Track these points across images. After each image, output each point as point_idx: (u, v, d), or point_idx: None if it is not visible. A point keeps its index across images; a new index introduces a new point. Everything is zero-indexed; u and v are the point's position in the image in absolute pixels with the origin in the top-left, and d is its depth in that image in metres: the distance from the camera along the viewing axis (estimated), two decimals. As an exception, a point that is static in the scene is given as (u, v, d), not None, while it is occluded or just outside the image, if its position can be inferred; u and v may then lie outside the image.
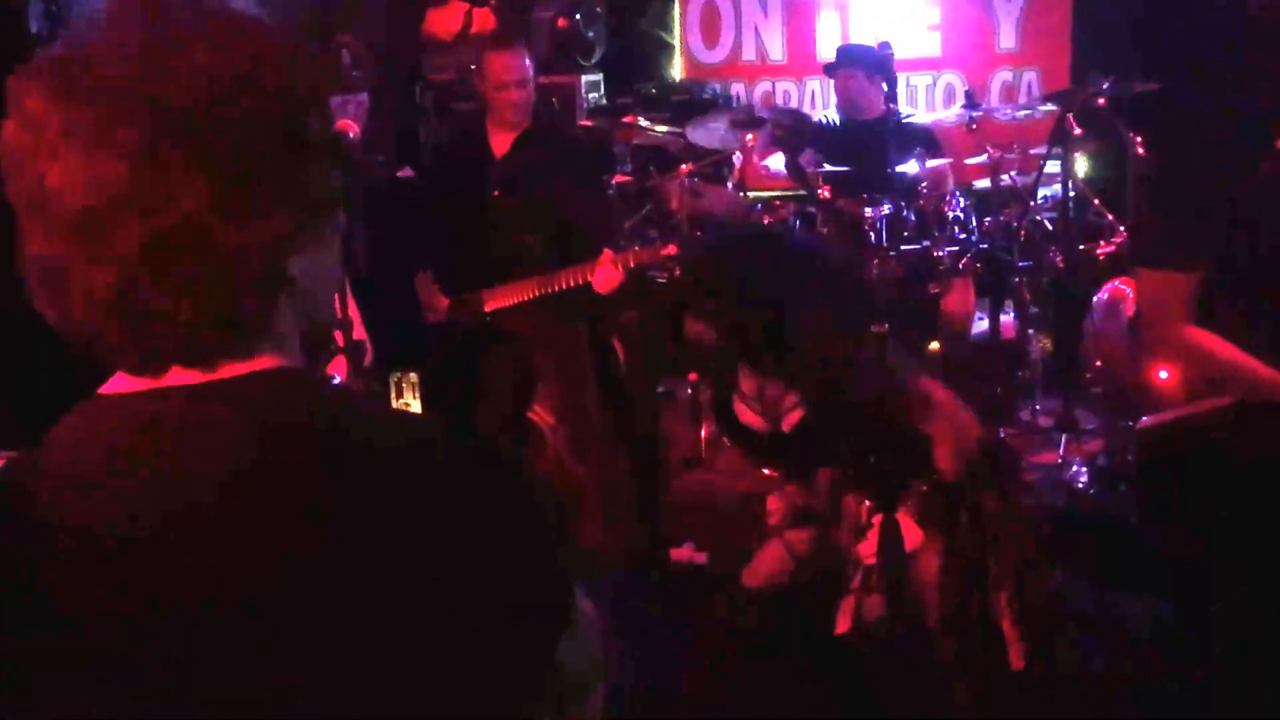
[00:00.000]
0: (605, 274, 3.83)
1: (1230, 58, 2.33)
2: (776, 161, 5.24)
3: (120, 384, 0.90)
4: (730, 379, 2.84)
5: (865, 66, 5.24)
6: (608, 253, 3.85)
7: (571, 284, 3.89)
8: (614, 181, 5.25)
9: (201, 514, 0.84)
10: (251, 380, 0.89)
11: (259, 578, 0.84)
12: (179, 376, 0.89)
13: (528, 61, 4.10)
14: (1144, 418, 2.69)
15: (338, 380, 3.44)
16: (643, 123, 5.24)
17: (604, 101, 6.13)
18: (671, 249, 3.86)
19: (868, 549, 2.55)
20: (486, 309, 4.08)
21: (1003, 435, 4.40)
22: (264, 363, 0.90)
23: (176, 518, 0.84)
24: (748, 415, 2.79)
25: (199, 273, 0.84)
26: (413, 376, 4.82)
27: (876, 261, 4.70)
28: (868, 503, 2.61)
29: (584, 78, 6.08)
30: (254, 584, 0.83)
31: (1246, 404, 2.35)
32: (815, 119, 5.55)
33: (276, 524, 0.84)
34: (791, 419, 2.69)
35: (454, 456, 0.92)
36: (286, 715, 0.83)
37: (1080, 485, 4.43)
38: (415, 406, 4.79)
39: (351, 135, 3.72)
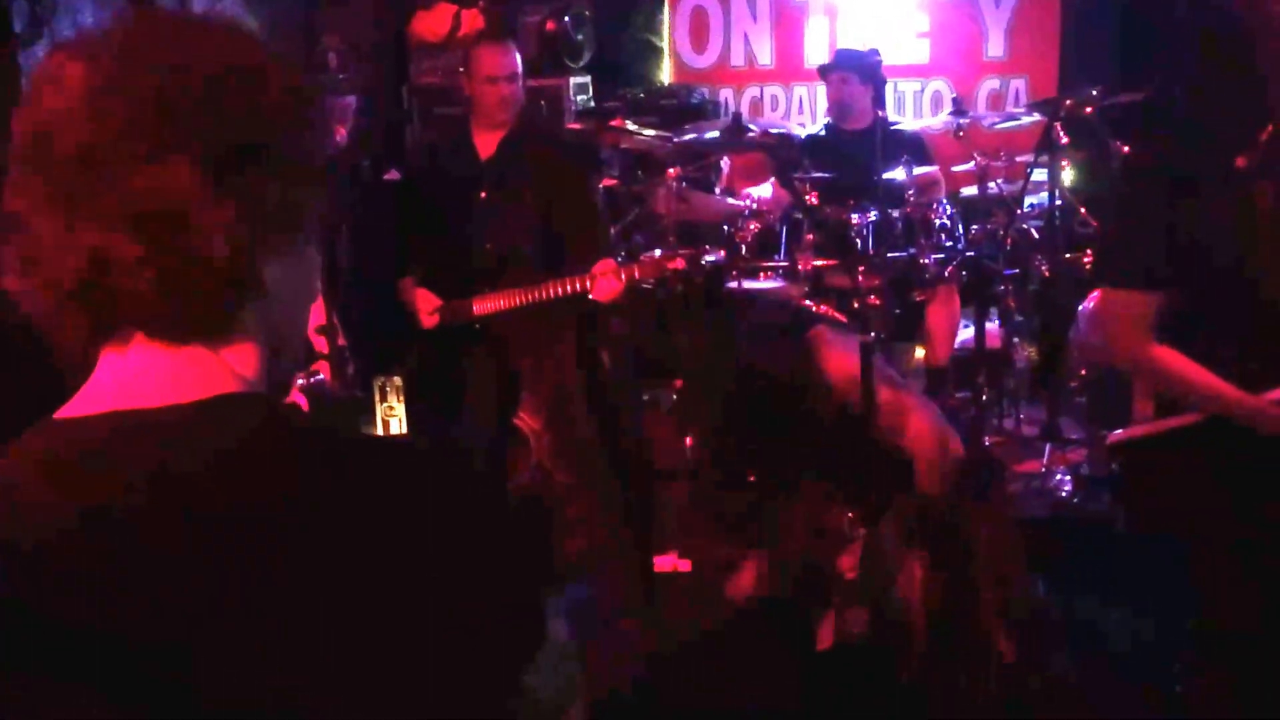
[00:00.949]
0: (606, 284, 3.81)
1: (1199, 76, 2.34)
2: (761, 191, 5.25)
3: (74, 409, 0.91)
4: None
5: (859, 71, 5.24)
6: (610, 263, 3.83)
7: (565, 292, 3.87)
8: (601, 185, 5.23)
9: (131, 540, 0.84)
10: (208, 407, 0.89)
11: (208, 611, 0.83)
12: (143, 353, 0.89)
13: (518, 59, 4.08)
14: (1114, 432, 2.71)
15: (320, 376, 3.43)
16: (630, 126, 5.22)
17: (592, 104, 6.11)
18: (679, 263, 3.83)
19: (850, 562, 2.54)
20: (475, 313, 4.06)
21: (987, 444, 4.41)
22: (225, 380, 0.90)
23: (100, 541, 0.84)
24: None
25: (175, 249, 0.85)
26: (397, 381, 4.80)
27: (863, 269, 4.69)
28: (850, 516, 2.61)
29: (571, 80, 6.07)
30: (204, 616, 0.83)
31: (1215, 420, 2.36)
32: (801, 136, 5.56)
33: (228, 555, 0.84)
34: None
35: (425, 477, 0.92)
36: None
37: (1064, 494, 4.43)
38: (399, 410, 4.78)
39: (338, 138, 3.71)
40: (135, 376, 0.90)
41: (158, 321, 0.89)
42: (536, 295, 3.91)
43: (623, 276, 3.80)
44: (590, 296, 3.86)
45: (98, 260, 0.85)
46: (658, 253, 4.09)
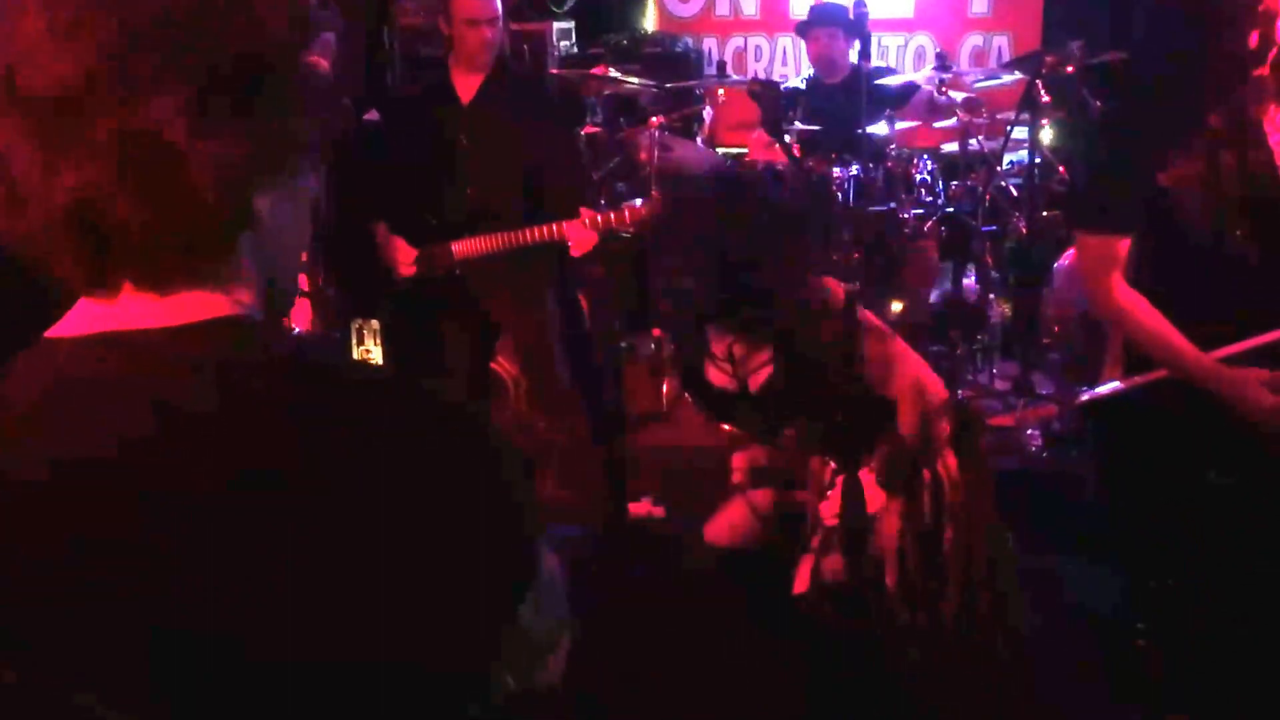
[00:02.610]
0: (580, 235, 3.81)
1: (1180, 33, 2.37)
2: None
3: (65, 328, 0.89)
4: (698, 339, 2.85)
5: (843, 26, 5.22)
6: (586, 212, 3.83)
7: (542, 238, 3.87)
8: (584, 132, 5.22)
9: (126, 464, 0.83)
10: (202, 329, 0.87)
11: (205, 536, 0.82)
12: (131, 300, 0.87)
13: (499, 2, 4.04)
14: (1085, 391, 2.76)
15: (297, 331, 3.43)
16: (614, 74, 5.20)
17: (575, 51, 6.08)
18: (641, 210, 3.84)
19: (829, 509, 2.58)
20: (455, 257, 4.05)
21: (961, 397, 4.46)
22: (220, 305, 0.88)
23: (98, 465, 0.83)
24: (717, 376, 2.80)
25: (163, 183, 0.82)
26: (374, 324, 4.80)
27: (845, 222, 4.72)
28: (831, 463, 2.64)
29: (555, 25, 6.02)
30: (199, 541, 0.82)
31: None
32: (786, 86, 5.55)
33: (220, 476, 0.83)
34: (759, 378, 2.70)
35: (417, 410, 0.91)
36: (235, 663, 0.82)
37: (1034, 449, 4.50)
38: (377, 354, 4.78)
39: (322, 71, 3.67)
40: (127, 303, 0.88)
41: (151, 266, 0.86)
42: (515, 240, 3.91)
43: (599, 221, 3.81)
44: (570, 253, 3.87)
45: (83, 200, 0.82)
46: (638, 202, 4.09)
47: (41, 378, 0.87)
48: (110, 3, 0.82)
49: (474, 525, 0.89)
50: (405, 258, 4.08)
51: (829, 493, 2.62)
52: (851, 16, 5.02)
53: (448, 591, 0.88)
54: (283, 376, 0.88)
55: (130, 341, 0.86)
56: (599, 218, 3.81)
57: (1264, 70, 2.27)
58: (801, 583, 2.65)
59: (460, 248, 4.02)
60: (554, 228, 3.83)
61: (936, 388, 2.60)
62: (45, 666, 0.82)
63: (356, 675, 0.84)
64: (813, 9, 5.58)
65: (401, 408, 0.90)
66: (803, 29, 5.46)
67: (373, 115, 4.60)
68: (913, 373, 2.58)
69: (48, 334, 0.89)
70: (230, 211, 0.86)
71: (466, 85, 4.05)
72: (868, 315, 2.60)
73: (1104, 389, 2.62)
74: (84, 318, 0.88)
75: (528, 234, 3.88)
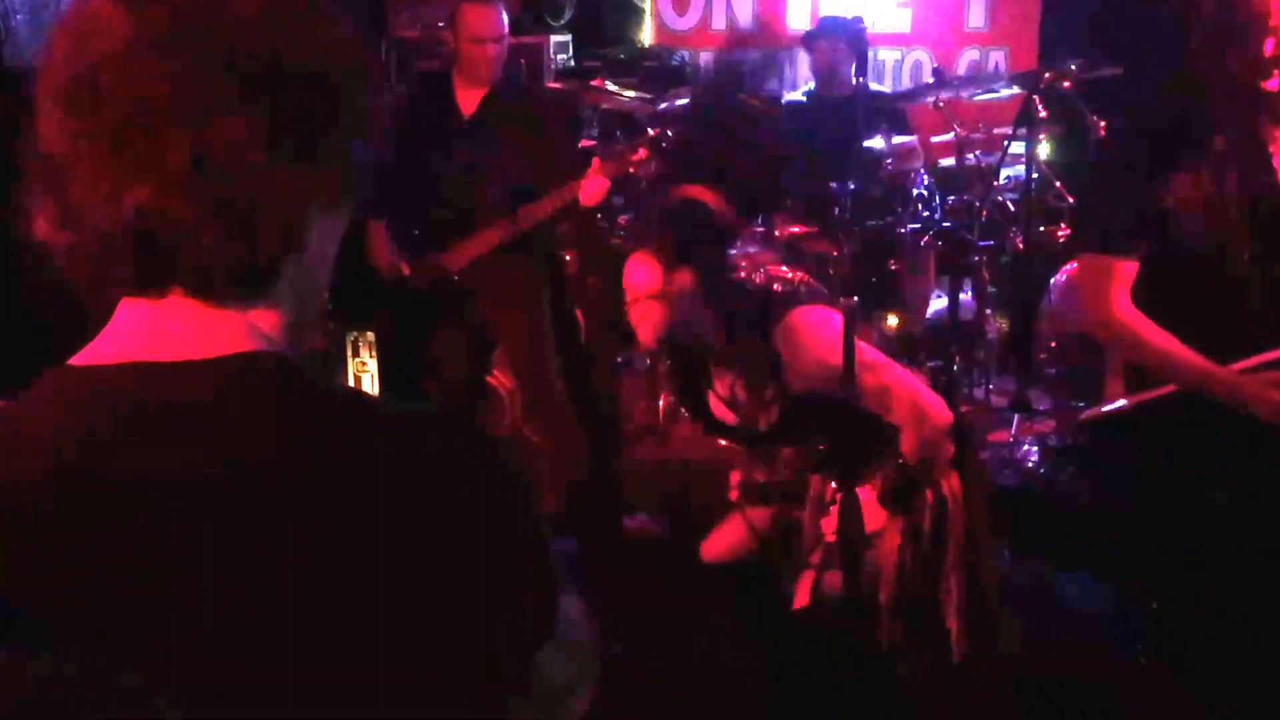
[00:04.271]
0: (591, 186, 3.86)
1: (1179, 52, 2.37)
2: None
3: (90, 355, 0.88)
4: (702, 370, 2.84)
5: (846, 39, 5.23)
6: (596, 160, 3.89)
7: (552, 208, 3.90)
8: (580, 146, 5.22)
9: (140, 492, 0.82)
10: (229, 363, 0.86)
11: (217, 561, 0.82)
12: (176, 308, 0.86)
13: (505, 19, 4.06)
14: (1086, 410, 2.75)
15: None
16: (610, 87, 5.20)
17: (572, 64, 6.07)
18: (642, 153, 3.89)
19: (830, 526, 2.56)
20: (453, 270, 4.05)
21: (961, 411, 4.45)
22: (254, 333, 0.88)
23: (118, 493, 0.82)
24: (720, 410, 2.80)
25: (230, 205, 0.82)
26: (369, 336, 4.78)
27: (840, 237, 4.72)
28: (830, 481, 2.63)
29: (552, 38, 6.02)
30: (210, 569, 0.81)
31: (1185, 394, 2.40)
32: (787, 98, 5.56)
33: (237, 508, 0.82)
34: (762, 424, 2.70)
35: (448, 450, 0.90)
36: (240, 693, 0.82)
37: (1031, 465, 4.49)
38: (371, 366, 4.76)
39: (378, 99, 3.68)
40: (157, 331, 0.87)
41: (205, 279, 0.86)
42: (509, 230, 3.92)
43: (609, 167, 3.86)
44: (580, 203, 3.91)
45: (149, 215, 0.82)
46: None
47: (55, 404, 0.86)
48: (200, 22, 0.83)
49: (495, 574, 0.89)
50: (391, 261, 4.09)
51: (829, 509, 2.61)
52: (855, 30, 5.05)
53: (461, 639, 0.87)
54: (303, 411, 0.87)
55: (153, 375, 0.85)
56: (610, 163, 3.86)
57: (1273, 87, 2.25)
58: (802, 598, 2.64)
59: (455, 259, 4.02)
60: (562, 193, 3.86)
61: (938, 410, 2.59)
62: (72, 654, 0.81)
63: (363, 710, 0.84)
64: (822, 21, 5.60)
65: (428, 444, 0.89)
66: (808, 40, 5.48)
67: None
68: (911, 398, 2.56)
69: (76, 359, 0.88)
70: (288, 234, 0.86)
71: (468, 99, 4.07)
72: (862, 347, 2.58)
73: (1106, 407, 2.61)
74: (109, 345, 0.88)
75: (520, 220, 3.89)
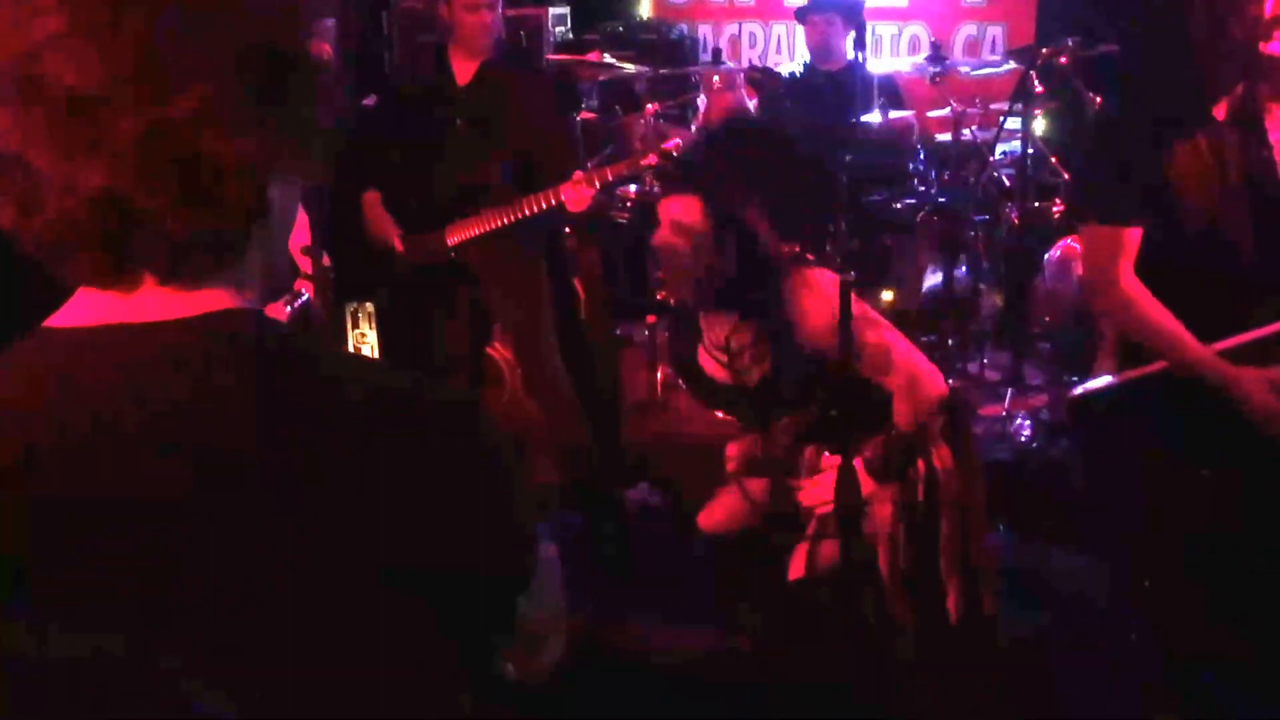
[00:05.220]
0: (575, 193, 3.83)
1: (1180, 26, 2.39)
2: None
3: (66, 318, 0.88)
4: (693, 325, 2.87)
5: (842, 13, 5.23)
6: (578, 174, 3.86)
7: (538, 209, 3.89)
8: (578, 118, 5.23)
9: (120, 457, 0.83)
10: (207, 320, 0.87)
11: (200, 520, 0.82)
12: (146, 294, 0.86)
13: None
14: (1078, 384, 2.78)
15: (305, 297, 3.44)
16: (609, 60, 5.21)
17: (570, 36, 6.08)
18: (652, 158, 3.87)
19: (823, 495, 2.60)
20: (450, 244, 4.06)
21: (952, 386, 4.49)
22: (226, 298, 0.88)
23: (97, 448, 0.82)
24: (710, 365, 2.82)
25: (186, 181, 0.81)
26: (369, 307, 4.80)
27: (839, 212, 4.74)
28: (826, 452, 2.67)
29: (551, 11, 6.03)
30: (192, 529, 0.82)
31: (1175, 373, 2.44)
32: (783, 73, 5.56)
33: (217, 467, 0.83)
34: (754, 376, 2.72)
35: (413, 406, 0.91)
36: (222, 652, 0.83)
37: (1024, 439, 4.54)
38: (371, 338, 4.78)
39: (326, 57, 3.66)
40: (131, 297, 0.87)
41: (174, 259, 0.85)
42: (510, 216, 3.92)
43: (595, 182, 3.83)
44: (567, 209, 3.89)
45: (105, 201, 0.81)
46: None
47: (36, 366, 0.86)
48: (132, 2, 0.80)
49: (472, 520, 0.90)
50: (391, 235, 4.10)
51: (821, 479, 2.65)
52: (850, 4, 5.05)
53: (444, 582, 0.89)
54: (275, 374, 0.87)
55: (133, 333, 0.86)
56: (594, 175, 3.84)
57: (1275, 50, 2.26)
58: (797, 569, 2.68)
59: (454, 234, 4.04)
60: (548, 195, 3.85)
61: (934, 380, 2.63)
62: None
63: (352, 658, 0.86)
64: None
65: (397, 403, 0.90)
66: (801, 14, 5.46)
67: (370, 100, 4.60)
68: (907, 366, 2.60)
69: (46, 323, 0.88)
70: (252, 204, 0.86)
71: (464, 69, 4.07)
72: (864, 306, 2.61)
73: (1097, 382, 2.64)
74: (89, 308, 0.87)
75: (523, 207, 3.89)
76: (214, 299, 0.88)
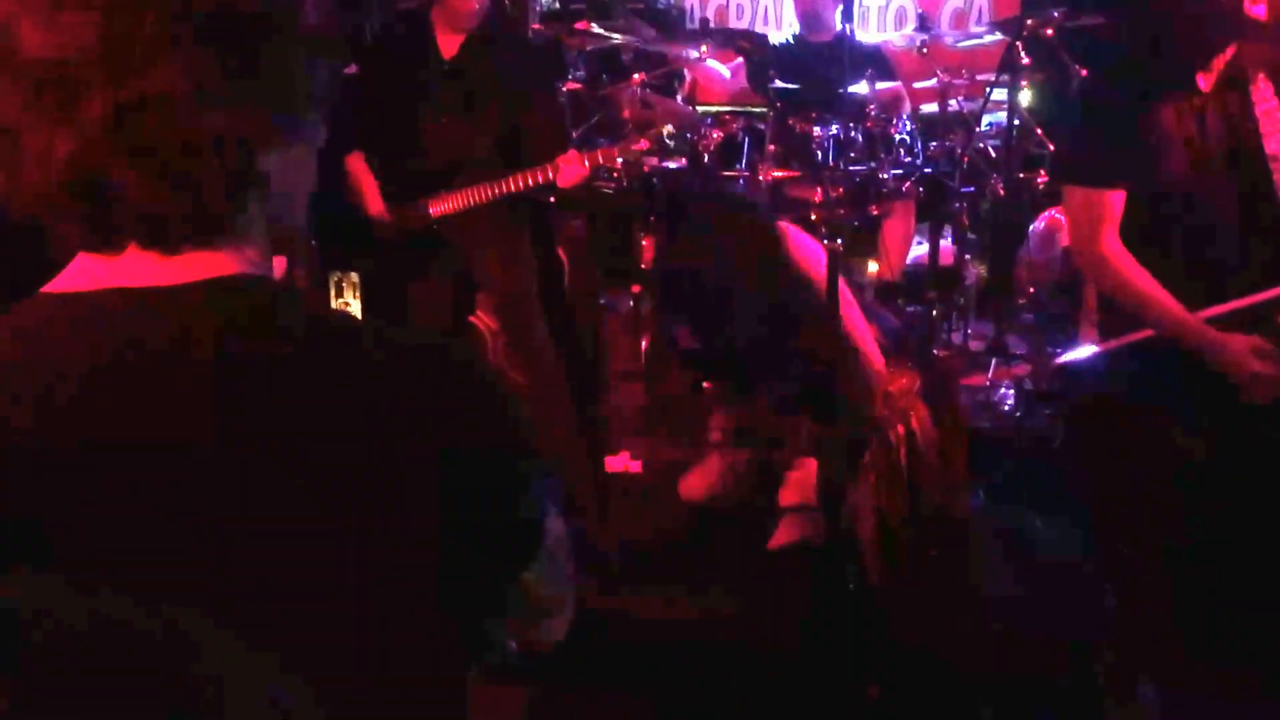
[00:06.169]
0: (571, 170, 3.83)
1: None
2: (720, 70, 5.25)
3: (64, 283, 0.87)
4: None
5: (830, -18, 5.21)
6: (573, 152, 3.86)
7: (528, 185, 3.87)
8: (565, 89, 5.20)
9: (128, 415, 0.82)
10: (207, 287, 0.86)
11: (192, 490, 0.82)
12: (136, 258, 0.85)
13: None
14: (1062, 355, 2.79)
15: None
16: (596, 29, 5.18)
17: (556, 6, 6.03)
18: (644, 144, 3.86)
19: (808, 466, 2.61)
20: (433, 214, 4.05)
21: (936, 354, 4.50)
22: (226, 264, 0.87)
23: (87, 410, 0.82)
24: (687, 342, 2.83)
25: (164, 154, 0.80)
26: (354, 277, 4.78)
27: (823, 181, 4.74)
28: (807, 422, 2.68)
29: (536, -21, 5.98)
30: (196, 502, 0.82)
31: (1157, 339, 2.44)
32: (772, 41, 5.54)
33: (225, 430, 0.83)
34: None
35: (436, 371, 0.90)
36: (223, 621, 0.83)
37: (1007, 408, 4.55)
38: (355, 307, 4.77)
39: (309, 22, 3.62)
40: (125, 266, 0.86)
41: (156, 231, 0.84)
42: (498, 190, 3.90)
43: (586, 163, 3.83)
44: (557, 185, 3.88)
45: (83, 168, 0.80)
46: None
47: (31, 328, 0.85)
48: None
49: (484, 490, 0.89)
50: (374, 201, 4.08)
51: (807, 449, 2.65)
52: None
53: (455, 550, 0.88)
54: (279, 340, 0.86)
55: (128, 299, 0.85)
56: (587, 157, 3.83)
57: (1260, 14, 2.25)
58: (779, 538, 2.69)
59: (438, 207, 4.02)
60: (538, 173, 3.84)
61: (874, 356, 2.57)
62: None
63: (354, 627, 0.85)
64: None
65: (416, 367, 0.89)
66: None
67: (351, 69, 4.56)
68: (857, 347, 2.54)
69: (45, 289, 0.87)
70: (237, 175, 0.85)
71: (449, 42, 4.04)
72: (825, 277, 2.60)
73: (1080, 352, 2.65)
74: (86, 274, 0.86)
75: (512, 182, 3.88)
76: (212, 264, 0.86)
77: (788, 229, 2.64)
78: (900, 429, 2.58)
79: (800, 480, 2.51)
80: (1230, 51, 2.34)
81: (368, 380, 0.87)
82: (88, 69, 0.78)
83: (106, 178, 0.80)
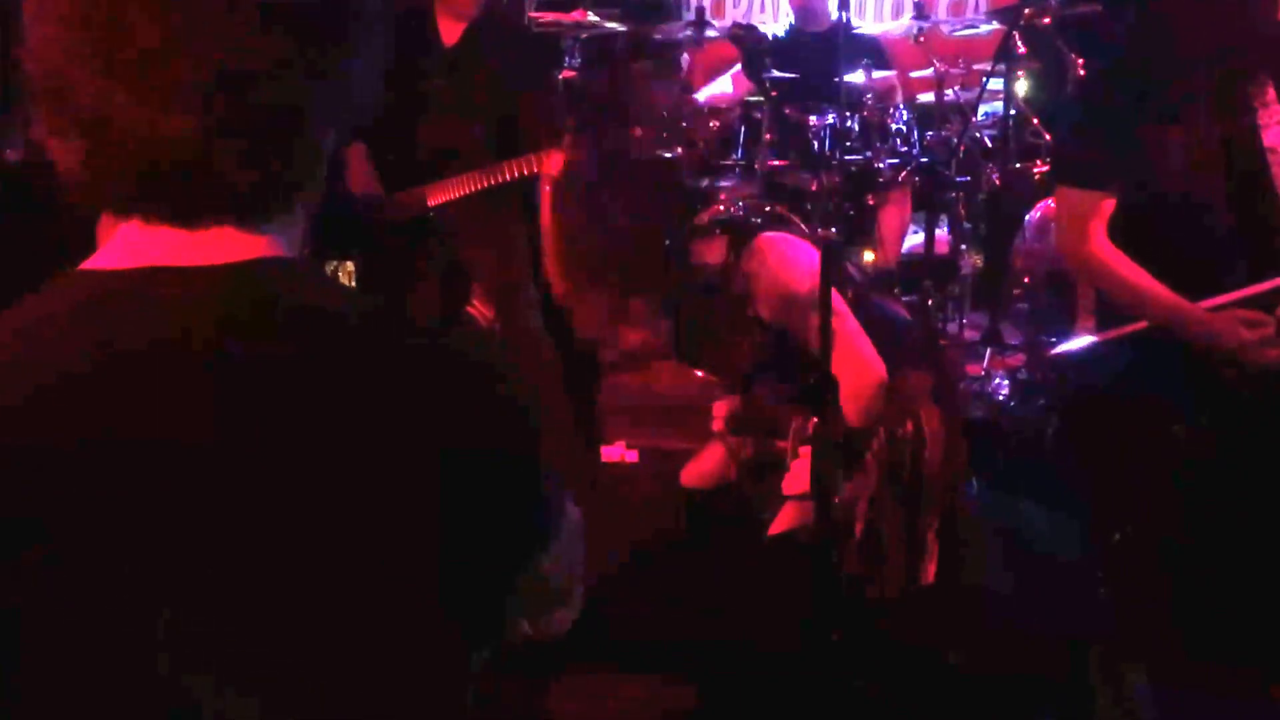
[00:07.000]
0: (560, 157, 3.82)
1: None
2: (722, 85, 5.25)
3: (105, 260, 0.88)
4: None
5: (827, -27, 5.21)
6: (568, 139, 3.86)
7: (519, 175, 3.86)
8: (560, 76, 5.19)
9: (168, 393, 0.82)
10: (253, 267, 0.87)
11: (220, 466, 0.82)
12: (215, 236, 0.86)
13: None
14: (1058, 345, 2.80)
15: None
16: (592, 17, 5.17)
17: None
18: (636, 132, 3.86)
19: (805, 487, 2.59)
20: (430, 203, 4.05)
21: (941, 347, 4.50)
22: (268, 247, 0.88)
23: (113, 387, 0.82)
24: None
25: (267, 125, 0.83)
26: (349, 266, 4.78)
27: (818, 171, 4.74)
28: (806, 415, 2.67)
29: (533, -34, 5.95)
30: (217, 471, 0.82)
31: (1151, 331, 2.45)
32: (767, 33, 5.54)
33: (243, 409, 0.83)
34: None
35: (439, 365, 0.90)
36: (223, 619, 0.83)
37: (1001, 398, 4.56)
38: (351, 295, 4.77)
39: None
40: (176, 243, 0.86)
41: (240, 205, 0.86)
42: (492, 179, 3.90)
43: (584, 151, 3.82)
44: (546, 172, 3.87)
45: (177, 146, 0.81)
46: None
47: (64, 307, 0.86)
48: None
49: (502, 478, 0.89)
50: (373, 190, 4.07)
51: (799, 466, 2.64)
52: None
53: (471, 538, 0.88)
54: (315, 320, 0.87)
55: (174, 277, 0.85)
56: (585, 138, 3.83)
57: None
58: (780, 524, 2.68)
59: (434, 196, 4.02)
60: (531, 160, 3.83)
61: (873, 365, 2.51)
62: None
63: (366, 612, 0.85)
64: None
65: (419, 361, 0.90)
66: None
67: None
68: (849, 349, 2.48)
69: (83, 265, 0.88)
70: (315, 159, 0.88)
71: (450, 29, 4.03)
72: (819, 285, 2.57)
73: (1076, 342, 2.66)
74: (128, 252, 0.87)
75: (506, 170, 3.87)
76: (259, 245, 0.87)
77: (775, 239, 2.59)
78: (909, 426, 2.56)
79: (804, 468, 2.50)
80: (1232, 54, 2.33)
81: (370, 375, 0.87)
82: (192, 44, 0.80)
83: (202, 153, 0.82)
